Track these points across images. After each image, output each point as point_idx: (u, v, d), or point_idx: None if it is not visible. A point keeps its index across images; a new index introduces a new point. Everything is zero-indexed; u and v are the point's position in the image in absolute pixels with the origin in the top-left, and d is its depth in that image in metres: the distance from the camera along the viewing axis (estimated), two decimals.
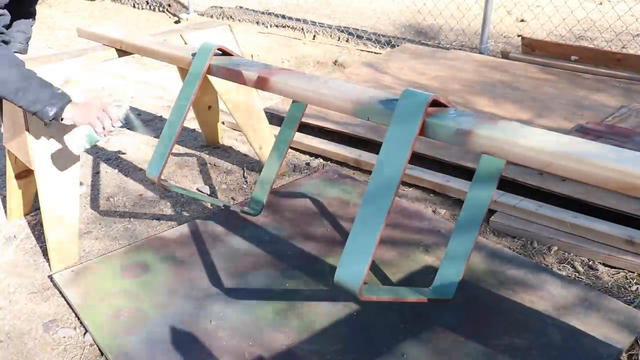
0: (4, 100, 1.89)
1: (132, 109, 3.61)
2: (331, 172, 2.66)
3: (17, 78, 1.66)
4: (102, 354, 1.66)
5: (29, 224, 2.33)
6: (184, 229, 2.21)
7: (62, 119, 1.74)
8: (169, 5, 6.39)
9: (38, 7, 2.19)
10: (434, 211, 2.38)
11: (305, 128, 2.98)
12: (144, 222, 2.33)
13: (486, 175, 1.59)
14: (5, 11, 1.86)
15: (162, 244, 2.12)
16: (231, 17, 5.87)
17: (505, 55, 4.00)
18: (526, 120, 2.92)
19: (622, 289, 1.89)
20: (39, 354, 1.67)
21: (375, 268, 1.94)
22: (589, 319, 1.70)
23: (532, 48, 3.92)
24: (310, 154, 2.90)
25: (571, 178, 1.11)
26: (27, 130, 1.87)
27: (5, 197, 2.38)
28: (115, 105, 1.81)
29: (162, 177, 1.88)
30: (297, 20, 5.44)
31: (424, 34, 4.99)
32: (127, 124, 1.96)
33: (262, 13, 5.94)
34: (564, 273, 1.97)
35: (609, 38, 4.45)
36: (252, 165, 2.82)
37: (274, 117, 3.08)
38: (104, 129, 1.76)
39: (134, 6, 6.55)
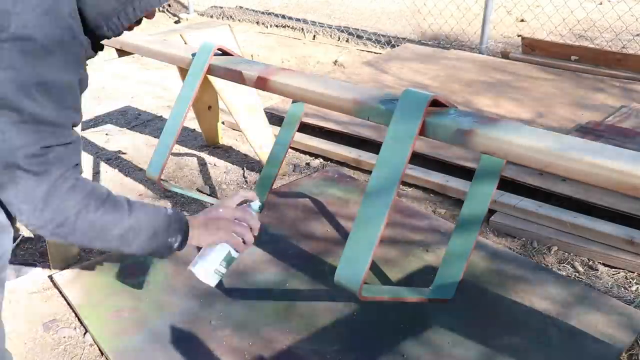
0: None
1: (132, 108, 3.64)
2: (331, 172, 2.66)
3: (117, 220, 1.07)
4: (102, 354, 1.66)
5: None
6: None
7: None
8: (169, 5, 6.39)
9: None
10: (434, 211, 2.38)
11: (305, 128, 2.98)
12: None
13: (486, 175, 1.59)
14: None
15: None
16: (231, 17, 5.88)
17: (505, 55, 4.00)
18: (526, 120, 2.92)
19: (622, 289, 1.89)
20: (39, 354, 1.67)
21: (375, 268, 1.94)
22: (589, 319, 1.70)
23: (532, 48, 3.92)
24: (310, 154, 2.90)
25: (571, 178, 1.11)
26: None
27: None
28: (249, 204, 1.26)
29: (162, 177, 1.87)
30: (297, 20, 5.44)
31: (424, 34, 4.99)
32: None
33: (262, 13, 5.94)
34: (564, 273, 1.97)
35: (609, 38, 4.46)
36: (252, 165, 2.82)
37: (274, 117, 3.08)
38: (244, 243, 1.21)
39: None
